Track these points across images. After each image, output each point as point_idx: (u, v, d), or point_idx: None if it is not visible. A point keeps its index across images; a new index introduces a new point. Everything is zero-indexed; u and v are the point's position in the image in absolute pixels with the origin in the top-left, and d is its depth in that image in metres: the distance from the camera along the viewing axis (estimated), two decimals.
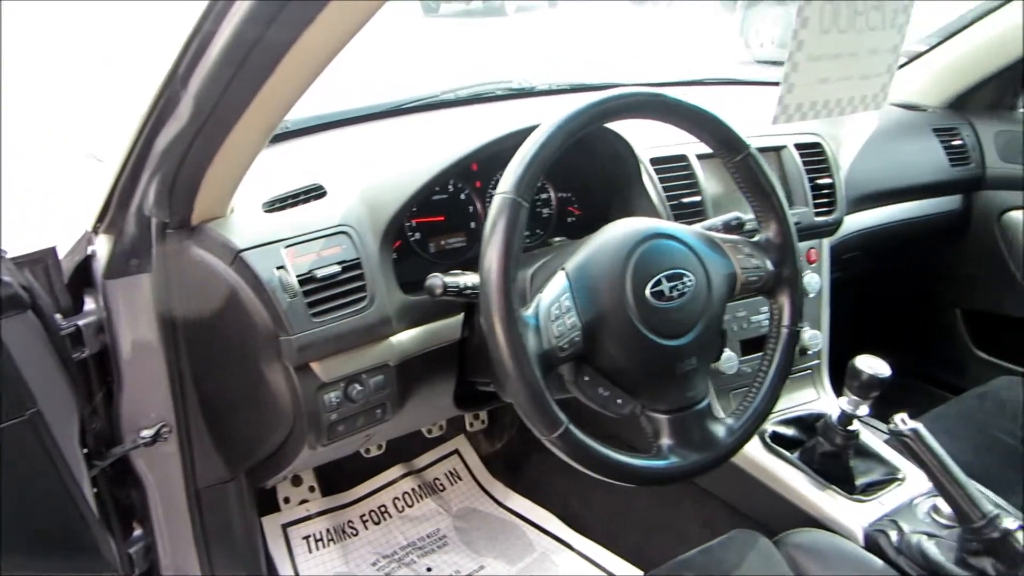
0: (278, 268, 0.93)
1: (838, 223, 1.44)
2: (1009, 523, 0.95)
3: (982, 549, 0.96)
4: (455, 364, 1.14)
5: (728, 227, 1.10)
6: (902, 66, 1.84)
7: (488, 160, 1.13)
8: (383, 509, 1.68)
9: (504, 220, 0.80)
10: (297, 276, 0.94)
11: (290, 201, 1.02)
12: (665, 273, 0.87)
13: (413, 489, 1.74)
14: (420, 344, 1.07)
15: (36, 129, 5.05)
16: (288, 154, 1.23)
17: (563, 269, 0.87)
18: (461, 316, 1.10)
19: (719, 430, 0.92)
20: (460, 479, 1.80)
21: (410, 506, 1.71)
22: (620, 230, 0.90)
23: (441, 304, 1.04)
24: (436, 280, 0.91)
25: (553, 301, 0.84)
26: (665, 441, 0.89)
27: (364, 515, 1.66)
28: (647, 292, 0.86)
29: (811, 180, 1.41)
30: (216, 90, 0.76)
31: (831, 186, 1.43)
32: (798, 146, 1.42)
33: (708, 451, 0.90)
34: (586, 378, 0.87)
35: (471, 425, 1.82)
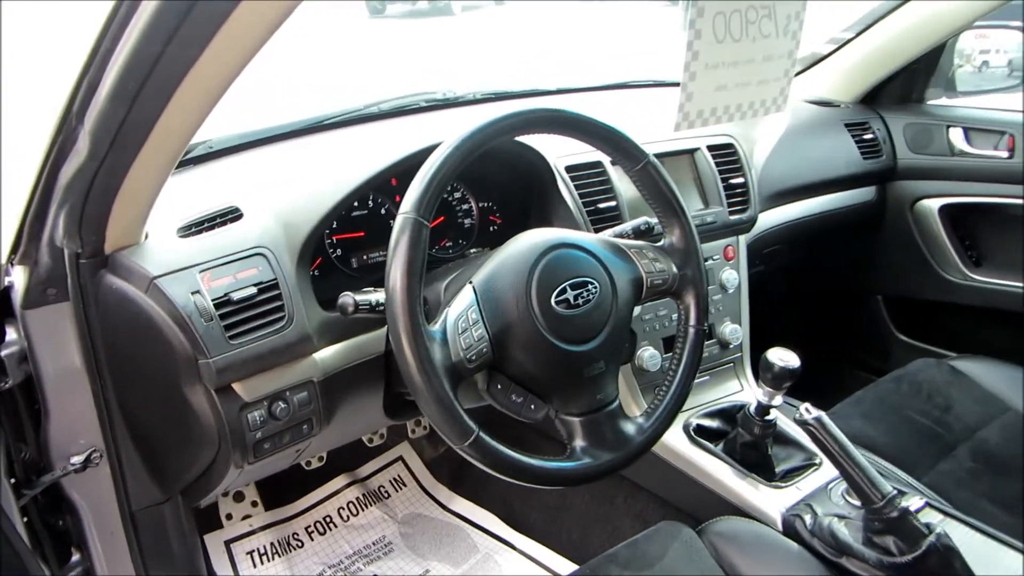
0: (193, 293, 0.95)
1: (752, 220, 1.50)
2: (913, 502, 1.01)
3: (884, 528, 1.01)
4: (382, 376, 1.16)
5: (638, 231, 1.14)
6: (814, 64, 1.91)
7: (407, 175, 1.15)
8: (328, 519, 1.70)
9: (406, 239, 0.83)
10: (213, 300, 0.95)
11: (206, 225, 1.03)
12: (569, 281, 0.91)
13: (358, 498, 1.76)
14: (344, 359, 1.09)
15: None
16: (207, 176, 1.23)
17: (471, 283, 0.90)
18: (384, 329, 1.12)
19: (630, 429, 0.96)
20: (405, 485, 1.82)
21: (355, 515, 1.72)
22: (525, 242, 0.94)
23: (362, 319, 1.06)
24: (347, 299, 0.94)
25: (460, 314, 0.87)
26: (579, 443, 0.92)
27: (309, 526, 1.67)
28: (552, 301, 0.89)
29: (724, 180, 1.46)
30: (112, 125, 0.77)
31: (744, 185, 1.48)
32: (711, 148, 1.47)
33: (620, 450, 0.94)
34: (499, 386, 0.90)
35: (413, 432, 1.84)
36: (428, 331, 0.84)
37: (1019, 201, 1.71)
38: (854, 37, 1.82)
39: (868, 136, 1.82)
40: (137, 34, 0.68)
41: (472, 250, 1.23)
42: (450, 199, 1.29)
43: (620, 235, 1.12)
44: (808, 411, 1.06)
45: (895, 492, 1.01)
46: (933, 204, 1.83)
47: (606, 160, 1.34)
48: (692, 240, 1.03)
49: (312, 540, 1.65)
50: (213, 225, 1.03)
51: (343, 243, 1.19)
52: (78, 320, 1.02)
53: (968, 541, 1.08)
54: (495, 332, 0.87)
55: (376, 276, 1.22)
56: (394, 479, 1.82)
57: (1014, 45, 1.96)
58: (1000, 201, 1.74)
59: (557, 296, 0.90)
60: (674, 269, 1.02)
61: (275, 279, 1.00)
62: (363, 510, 1.74)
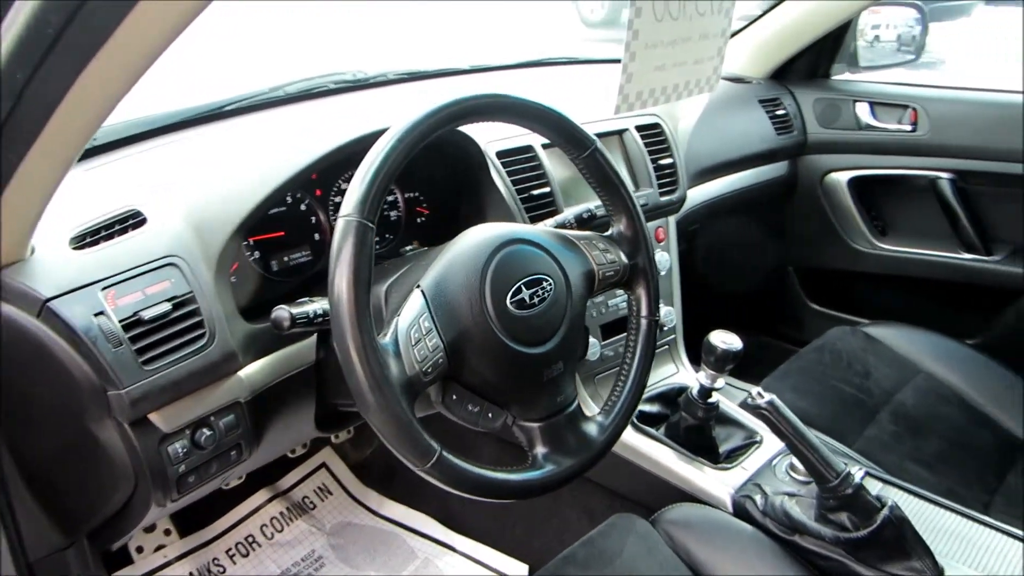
0: (96, 314, 0.82)
1: (682, 200, 1.49)
2: (856, 473, 1.02)
3: (838, 505, 1.02)
4: (313, 387, 1.07)
5: (581, 220, 1.09)
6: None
7: (328, 167, 1.05)
8: (251, 539, 1.58)
9: (350, 244, 0.74)
10: (120, 321, 0.83)
11: (103, 233, 0.90)
12: (523, 280, 0.85)
13: (281, 512, 1.65)
14: (272, 373, 0.99)
15: None
16: (94, 174, 1.08)
17: (419, 287, 0.83)
18: (314, 337, 1.03)
19: (591, 429, 0.92)
20: (331, 494, 1.72)
21: (280, 531, 1.61)
22: (473, 240, 0.87)
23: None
24: (282, 312, 0.84)
25: (412, 323, 0.79)
26: (540, 450, 0.88)
27: (230, 549, 1.55)
28: (508, 302, 0.83)
29: (653, 161, 1.43)
30: None
31: (672, 165, 1.46)
32: (639, 128, 1.44)
33: (583, 453, 0.90)
34: (454, 397, 0.84)
35: (336, 436, 1.74)
36: (380, 344, 0.76)
37: (922, 172, 1.79)
38: (764, 14, 1.83)
39: (780, 112, 1.85)
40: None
41: (406, 248, 1.15)
42: None
43: (563, 225, 1.07)
44: (760, 395, 1.06)
45: (848, 470, 1.02)
46: (842, 177, 1.89)
47: (537, 144, 1.28)
48: (641, 228, 0.99)
49: (235, 564, 1.53)
50: (112, 233, 0.90)
51: (261, 244, 1.07)
52: None
53: (904, 505, 1.11)
54: (450, 340, 0.80)
55: (300, 278, 1.12)
56: (319, 488, 1.72)
57: (903, 20, 2.04)
58: (904, 172, 1.82)
59: (512, 296, 0.84)
60: (624, 259, 0.98)
61: (191, 292, 0.89)
62: (288, 525, 1.63)
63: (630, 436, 1.32)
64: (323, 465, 1.75)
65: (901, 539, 1.00)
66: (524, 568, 1.46)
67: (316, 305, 0.86)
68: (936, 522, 1.13)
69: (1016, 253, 1.73)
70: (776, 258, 2.09)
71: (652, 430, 1.32)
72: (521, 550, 1.49)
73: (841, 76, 1.95)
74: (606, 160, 0.95)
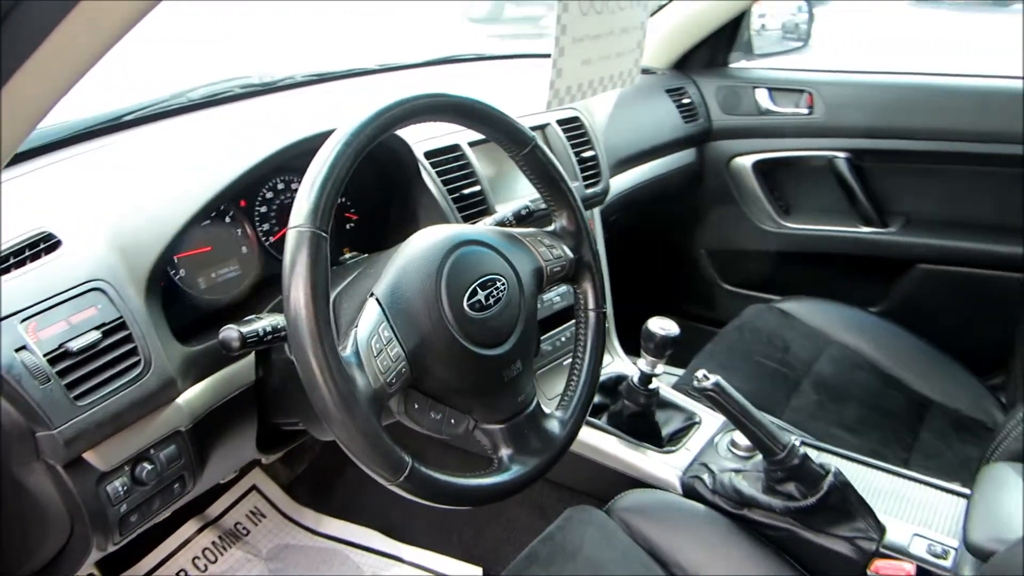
0: (18, 350, 0.75)
1: (606, 192, 1.51)
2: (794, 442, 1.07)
3: (786, 476, 1.07)
4: (254, 408, 1.02)
5: (519, 217, 1.09)
6: None
7: (251, 176, 1.00)
8: (183, 574, 1.49)
9: (305, 256, 0.70)
10: (45, 355, 0.76)
11: (13, 260, 0.82)
12: (478, 282, 0.84)
13: (214, 542, 1.56)
14: (212, 397, 0.93)
15: None
16: None
17: (373, 295, 0.80)
18: (252, 356, 0.98)
19: (553, 426, 0.92)
20: (264, 517, 1.65)
21: (214, 561, 1.53)
22: (423, 244, 0.85)
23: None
24: (231, 333, 0.79)
25: (371, 333, 0.77)
26: (505, 451, 0.87)
27: None
28: (464, 305, 0.82)
29: (577, 154, 1.45)
30: None
31: (595, 158, 1.48)
32: (560, 122, 1.44)
33: (547, 451, 0.90)
34: (416, 405, 0.82)
35: (267, 457, 1.66)
36: (343, 357, 0.72)
37: (820, 152, 1.89)
38: (664, 5, 1.88)
39: (686, 100, 1.91)
40: None
41: (344, 257, 1.10)
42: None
43: (502, 223, 1.06)
44: (706, 377, 1.09)
45: (792, 442, 1.07)
46: (746, 161, 1.97)
47: (463, 142, 1.26)
48: (583, 222, 0.99)
49: None
50: (23, 259, 0.82)
51: (187, 261, 1.01)
52: None
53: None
54: (411, 348, 0.78)
55: (228, 295, 1.06)
56: (251, 512, 1.64)
57: (787, 10, 2.16)
58: (804, 154, 1.92)
59: (468, 299, 0.83)
60: (569, 254, 0.98)
61: (120, 317, 0.82)
62: (222, 554, 1.55)
63: None
64: (253, 488, 1.67)
65: (846, 503, 1.06)
66: (477, 571, 1.44)
67: (265, 322, 0.81)
68: (870, 483, 1.20)
69: (909, 224, 1.86)
70: (689, 242, 2.16)
71: (596, 420, 1.34)
72: (472, 553, 1.47)
73: (738, 64, 2.03)
74: (546, 156, 0.95)
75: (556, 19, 1.01)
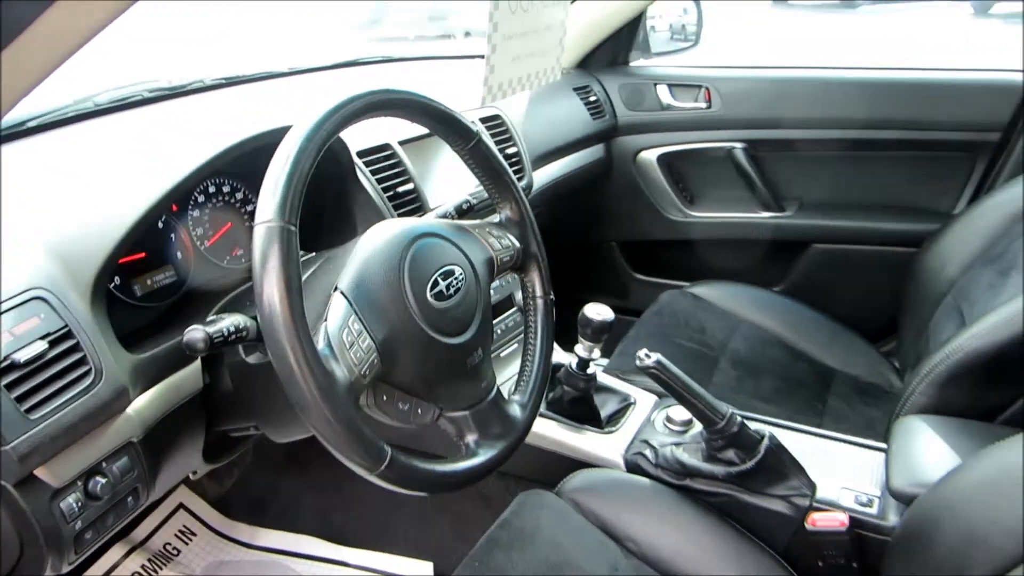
0: None
1: (530, 187, 1.55)
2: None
3: (726, 443, 1.14)
4: (202, 415, 0.99)
5: (460, 211, 1.11)
6: None
7: (196, 178, 0.98)
8: None
9: (276, 252, 0.70)
10: None
11: None
12: (439, 272, 0.86)
13: (143, 566, 1.48)
14: (162, 405, 0.90)
15: None
16: None
17: (337, 290, 0.80)
18: (199, 362, 0.95)
19: (514, 410, 0.95)
20: (195, 535, 1.58)
21: None
22: (381, 237, 0.86)
23: (175, 354, 0.89)
24: (196, 334, 0.77)
25: (341, 327, 0.77)
26: (471, 437, 0.89)
27: None
28: (428, 295, 0.84)
29: (501, 151, 1.47)
30: None
31: (518, 154, 1.52)
32: (482, 120, 1.47)
33: (511, 434, 0.93)
34: (384, 397, 0.82)
35: (194, 473, 1.60)
36: (320, 351, 0.72)
37: (719, 144, 2.01)
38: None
39: (592, 98, 1.99)
40: None
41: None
42: (232, 200, 1.12)
43: (445, 217, 1.08)
44: (648, 356, 1.14)
45: (730, 411, 1.14)
46: (651, 155, 2.07)
47: (393, 141, 1.27)
48: (527, 213, 1.03)
49: None
50: None
51: (121, 268, 0.97)
52: None
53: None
54: (380, 340, 0.79)
55: (166, 301, 1.02)
56: (180, 531, 1.57)
57: (674, 11, 2.28)
58: (705, 146, 2.03)
59: (431, 289, 0.85)
60: (516, 243, 1.01)
61: (66, 326, 0.78)
62: None
63: None
64: (180, 506, 1.60)
65: (781, 464, 1.13)
66: (428, 566, 1.44)
67: (228, 322, 0.80)
68: (794, 446, 1.29)
69: (803, 208, 2.01)
70: (600, 235, 2.24)
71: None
72: (419, 549, 1.47)
73: (637, 63, 2.13)
74: (489, 149, 0.98)
75: (488, 16, 1.04)
